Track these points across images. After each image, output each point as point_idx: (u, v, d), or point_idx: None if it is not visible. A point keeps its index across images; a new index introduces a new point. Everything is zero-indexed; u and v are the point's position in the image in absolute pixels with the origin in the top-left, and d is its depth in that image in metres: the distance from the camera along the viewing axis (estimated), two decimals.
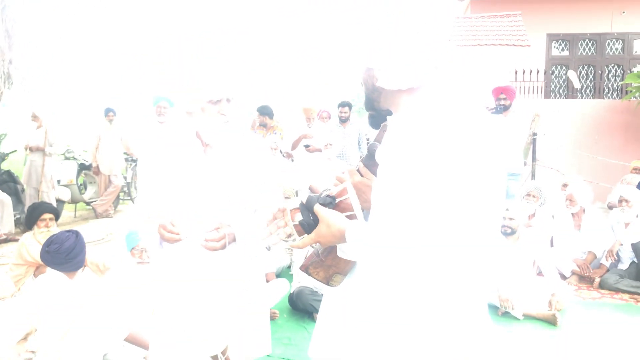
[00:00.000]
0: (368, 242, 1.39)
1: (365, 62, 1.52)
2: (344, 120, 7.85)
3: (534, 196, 6.22)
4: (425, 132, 1.33)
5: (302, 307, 4.52)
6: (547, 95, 13.14)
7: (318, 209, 1.49)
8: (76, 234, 3.34)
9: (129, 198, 10.40)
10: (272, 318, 4.38)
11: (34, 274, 4.30)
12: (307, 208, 1.51)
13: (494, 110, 6.77)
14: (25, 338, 2.33)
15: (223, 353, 2.27)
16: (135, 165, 10.05)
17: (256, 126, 8.11)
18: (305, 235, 1.51)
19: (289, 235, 1.54)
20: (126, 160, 10.31)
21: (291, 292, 4.67)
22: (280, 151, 7.53)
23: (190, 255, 2.18)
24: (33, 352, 2.37)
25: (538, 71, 12.36)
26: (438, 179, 1.27)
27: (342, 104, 7.94)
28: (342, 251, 1.49)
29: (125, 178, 10.18)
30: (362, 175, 1.79)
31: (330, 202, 1.52)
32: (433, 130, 1.32)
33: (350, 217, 1.50)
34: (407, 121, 1.44)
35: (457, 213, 1.27)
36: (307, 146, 7.49)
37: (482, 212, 1.29)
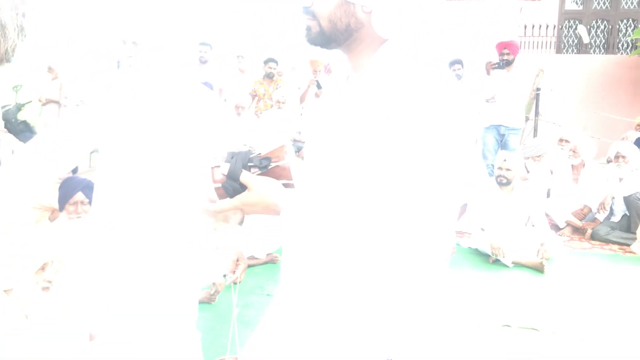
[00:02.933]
0: (312, 225, 1.18)
1: None
2: None
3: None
4: (389, 97, 1.16)
5: None
6: (558, 51, 13.06)
7: (247, 179, 1.22)
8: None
9: None
10: (274, 261, 4.66)
11: (49, 218, 4.58)
12: (231, 177, 1.22)
13: (496, 65, 6.87)
14: (42, 268, 2.60)
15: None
16: None
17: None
18: (227, 198, 1.24)
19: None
20: None
21: None
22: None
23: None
24: (49, 281, 2.65)
25: (547, 26, 12.28)
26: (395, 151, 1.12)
27: None
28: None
29: None
30: None
31: (266, 166, 1.24)
32: (396, 95, 1.15)
33: (286, 185, 1.25)
34: (370, 80, 1.24)
35: (417, 193, 1.13)
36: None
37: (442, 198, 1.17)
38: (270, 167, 1.24)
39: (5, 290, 2.53)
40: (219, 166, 1.23)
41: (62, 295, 2.62)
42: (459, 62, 7.82)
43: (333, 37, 1.26)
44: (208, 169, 1.23)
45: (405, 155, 1.12)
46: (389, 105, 1.15)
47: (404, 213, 1.14)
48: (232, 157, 1.24)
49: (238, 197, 1.22)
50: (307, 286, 1.27)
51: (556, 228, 5.98)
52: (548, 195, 6.38)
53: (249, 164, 1.24)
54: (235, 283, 1.96)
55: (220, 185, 1.23)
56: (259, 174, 1.24)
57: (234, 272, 1.93)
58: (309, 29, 1.29)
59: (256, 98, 8.19)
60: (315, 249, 1.19)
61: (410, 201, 1.14)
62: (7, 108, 8.23)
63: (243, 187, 1.23)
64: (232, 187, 1.22)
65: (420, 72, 1.20)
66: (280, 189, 1.22)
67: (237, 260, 1.93)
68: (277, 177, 1.24)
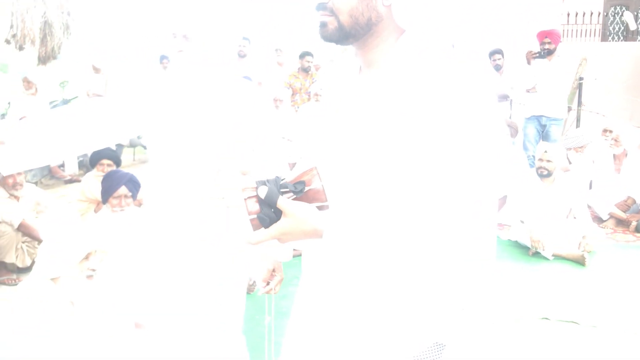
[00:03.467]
0: (354, 244, 1.16)
1: None
2: None
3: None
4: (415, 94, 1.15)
5: None
6: (604, 38, 12.72)
7: (283, 204, 1.17)
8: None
9: None
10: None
11: (94, 210, 4.73)
12: (267, 203, 1.17)
13: (537, 54, 6.74)
14: (87, 258, 2.71)
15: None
16: None
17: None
18: (262, 229, 1.19)
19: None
20: None
21: None
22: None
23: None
24: (93, 270, 2.75)
25: (592, 13, 11.96)
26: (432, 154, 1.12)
27: None
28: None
29: None
30: None
31: (301, 190, 1.20)
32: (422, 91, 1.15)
33: (320, 208, 1.22)
34: (392, 75, 1.23)
35: (455, 200, 1.13)
36: None
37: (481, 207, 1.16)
38: (304, 191, 1.21)
39: (52, 279, 2.64)
40: (252, 197, 1.18)
41: (106, 284, 2.73)
42: (499, 52, 7.72)
43: (353, 32, 1.24)
44: (241, 200, 1.19)
45: (436, 150, 1.11)
46: (418, 100, 1.14)
47: (437, 209, 1.13)
48: (264, 183, 1.19)
49: (274, 226, 1.18)
50: (353, 275, 1.24)
51: (599, 220, 5.85)
52: (590, 187, 6.24)
53: (282, 190, 1.19)
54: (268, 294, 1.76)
55: (255, 216, 1.18)
56: (293, 199, 1.20)
57: (268, 282, 1.74)
58: (324, 25, 1.25)
59: (290, 91, 8.25)
60: (358, 241, 1.17)
61: (441, 196, 1.12)
62: (54, 103, 8.51)
63: (277, 216, 1.18)
64: (267, 216, 1.18)
65: (443, 64, 1.18)
66: (316, 212, 1.19)
67: (274, 271, 1.75)
68: (310, 201, 1.21)
